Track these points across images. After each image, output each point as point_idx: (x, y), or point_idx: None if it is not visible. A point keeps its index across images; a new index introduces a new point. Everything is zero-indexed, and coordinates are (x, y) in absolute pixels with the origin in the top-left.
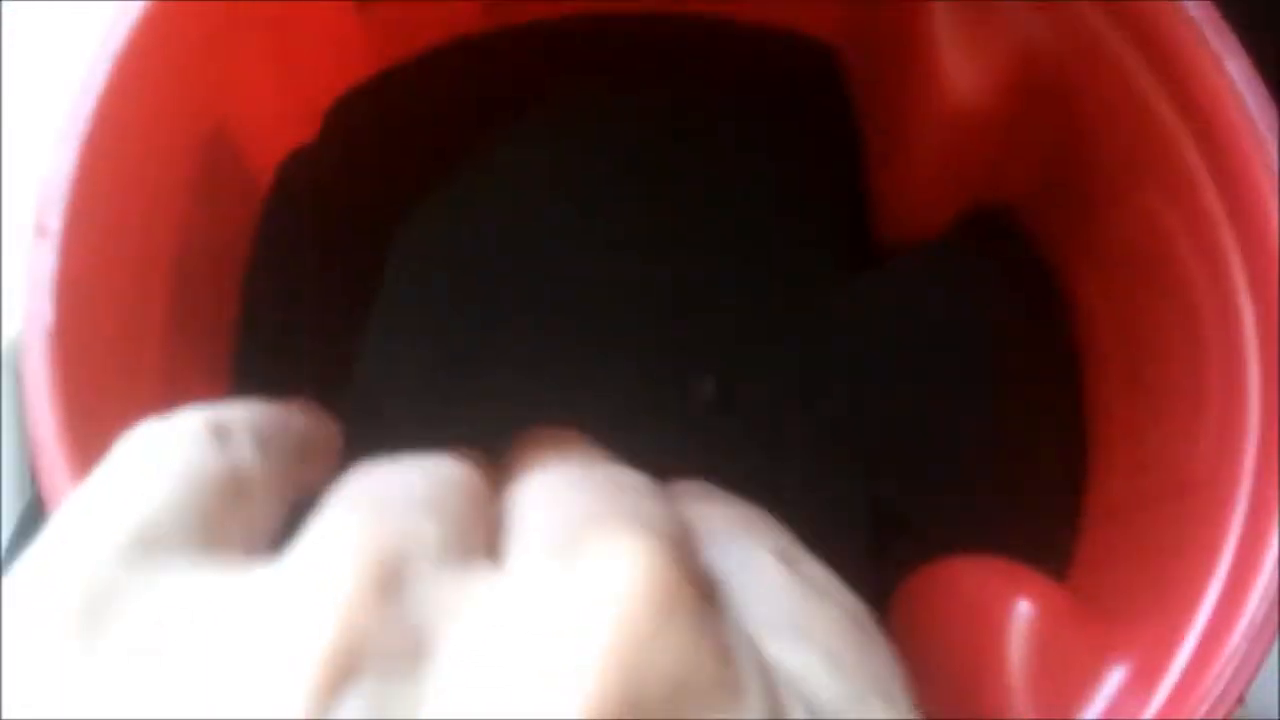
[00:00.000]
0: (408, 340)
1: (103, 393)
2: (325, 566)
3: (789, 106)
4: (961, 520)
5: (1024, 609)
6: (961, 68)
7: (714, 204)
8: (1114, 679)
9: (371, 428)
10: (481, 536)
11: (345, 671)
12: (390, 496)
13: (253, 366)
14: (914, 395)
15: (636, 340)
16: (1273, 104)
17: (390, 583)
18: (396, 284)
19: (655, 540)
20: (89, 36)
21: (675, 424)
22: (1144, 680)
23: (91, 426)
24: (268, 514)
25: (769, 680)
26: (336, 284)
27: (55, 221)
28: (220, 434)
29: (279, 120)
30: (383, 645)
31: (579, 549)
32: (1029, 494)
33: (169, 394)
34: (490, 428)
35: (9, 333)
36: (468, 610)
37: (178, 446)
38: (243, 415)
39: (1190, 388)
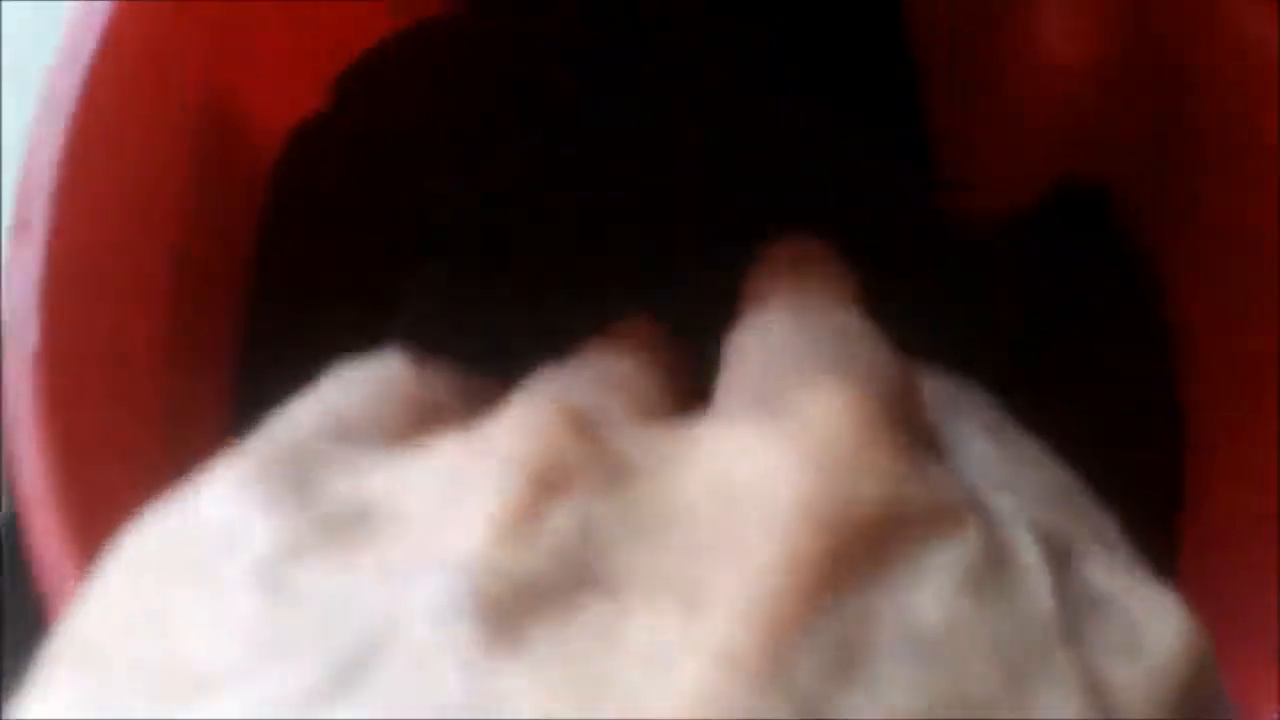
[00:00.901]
0: (441, 304)
1: (94, 408)
2: (520, 415)
3: (846, 65)
4: None
5: None
6: (1064, 23)
7: (765, 188)
8: None
9: None
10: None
11: (551, 487)
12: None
13: (268, 342)
14: (997, 386)
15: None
16: None
17: (585, 425)
18: (430, 246)
19: (864, 387)
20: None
21: None
22: None
23: (80, 451)
24: None
25: (989, 517)
26: (357, 253)
27: (39, 217)
28: (420, 365)
29: (285, 89)
30: (585, 471)
31: (783, 399)
32: (1122, 504)
33: (166, 399)
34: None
35: None
36: (666, 448)
37: (380, 368)
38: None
39: None
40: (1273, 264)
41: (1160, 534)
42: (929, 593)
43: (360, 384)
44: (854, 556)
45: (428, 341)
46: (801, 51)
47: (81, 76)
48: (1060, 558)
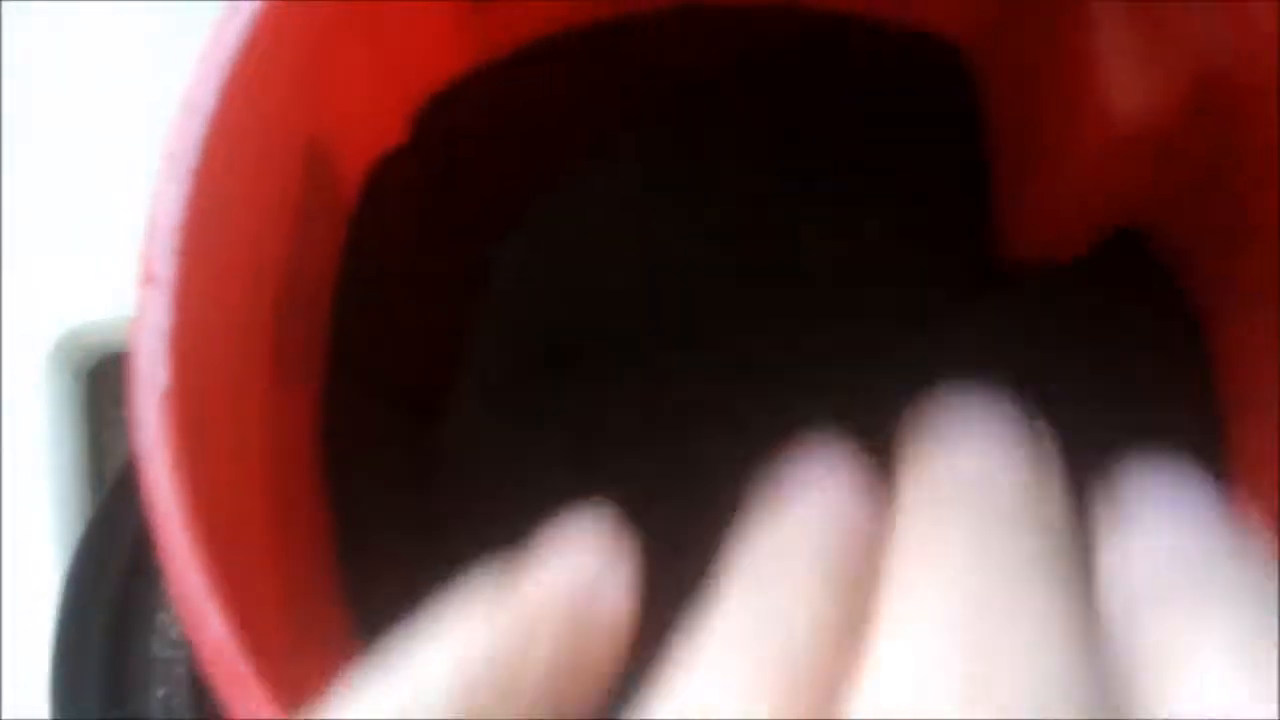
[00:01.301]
0: (513, 345)
1: (214, 451)
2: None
3: (911, 115)
4: None
5: None
6: (1129, 81)
7: (826, 221)
8: None
9: (478, 436)
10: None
11: None
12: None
13: (345, 387)
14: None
15: (743, 362)
16: None
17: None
18: (502, 288)
19: None
20: (97, 38)
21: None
22: None
23: (205, 489)
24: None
25: None
26: (430, 292)
27: (166, 268)
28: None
29: (370, 125)
30: None
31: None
32: None
33: (273, 444)
34: (599, 434)
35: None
36: None
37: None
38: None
39: None
40: None
41: None
42: None
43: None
44: None
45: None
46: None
47: (202, 131)
48: None
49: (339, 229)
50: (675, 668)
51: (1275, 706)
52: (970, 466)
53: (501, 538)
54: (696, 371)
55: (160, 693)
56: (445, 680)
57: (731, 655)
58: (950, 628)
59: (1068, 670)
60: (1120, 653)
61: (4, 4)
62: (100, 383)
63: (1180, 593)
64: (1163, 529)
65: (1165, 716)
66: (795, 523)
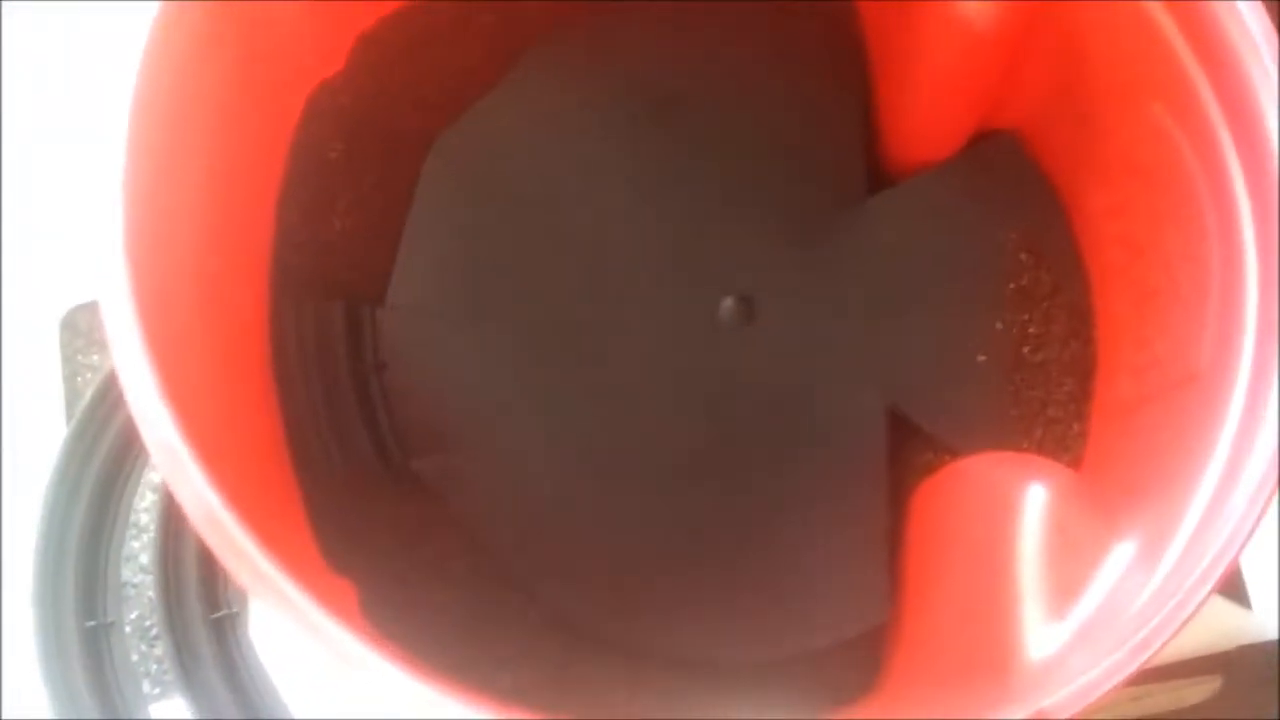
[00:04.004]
0: (440, 252)
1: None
2: None
3: (801, 37)
4: (974, 428)
5: (1037, 492)
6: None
7: (730, 133)
8: (1123, 552)
9: (409, 328)
10: None
11: None
12: None
13: (289, 281)
14: (927, 310)
15: (660, 262)
16: (1266, 14)
17: None
18: (428, 201)
19: None
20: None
21: (703, 338)
22: (1150, 552)
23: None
24: None
25: None
26: (366, 202)
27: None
28: None
29: (309, 54)
30: None
31: None
32: (1040, 401)
33: (213, 305)
34: (523, 336)
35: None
36: None
37: None
38: None
39: (1193, 289)
40: (1173, 194)
41: (1069, 417)
42: None
43: None
44: None
45: None
46: None
47: (151, 28)
48: None
49: (284, 138)
50: None
51: None
52: None
53: (441, 426)
54: (606, 268)
55: (133, 615)
56: None
57: None
58: None
59: None
60: None
61: (3, 4)
62: (69, 331)
63: None
64: None
65: None
66: None
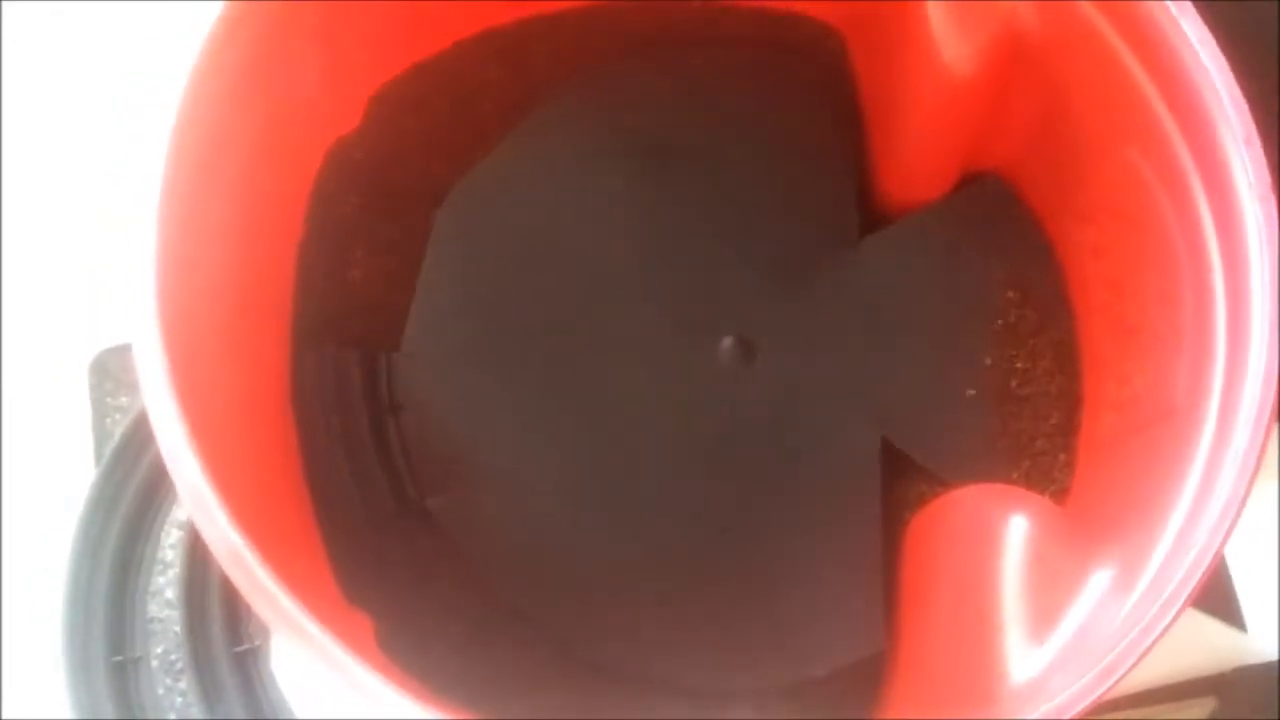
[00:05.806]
0: (451, 300)
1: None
2: None
3: (796, 85)
4: (964, 460)
5: (1019, 523)
6: (953, 49)
7: (728, 178)
8: (1098, 582)
9: (423, 373)
10: None
11: None
12: None
13: (309, 328)
14: (919, 347)
15: (662, 305)
16: (1228, 67)
17: None
18: (440, 251)
19: None
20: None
21: (704, 379)
22: (1124, 581)
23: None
24: None
25: None
26: (382, 252)
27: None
28: None
29: (327, 112)
30: None
31: None
32: (1028, 434)
33: (238, 351)
34: (532, 379)
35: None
36: None
37: None
38: None
39: (1169, 328)
40: (1148, 233)
41: (1054, 450)
42: None
43: None
44: None
45: None
46: None
47: (187, 84)
48: None
49: (304, 193)
50: None
51: None
52: None
53: (453, 465)
54: (611, 314)
55: (159, 649)
56: None
57: None
58: None
59: None
60: None
61: (3, 4)
62: (99, 374)
63: None
64: None
65: None
66: None
